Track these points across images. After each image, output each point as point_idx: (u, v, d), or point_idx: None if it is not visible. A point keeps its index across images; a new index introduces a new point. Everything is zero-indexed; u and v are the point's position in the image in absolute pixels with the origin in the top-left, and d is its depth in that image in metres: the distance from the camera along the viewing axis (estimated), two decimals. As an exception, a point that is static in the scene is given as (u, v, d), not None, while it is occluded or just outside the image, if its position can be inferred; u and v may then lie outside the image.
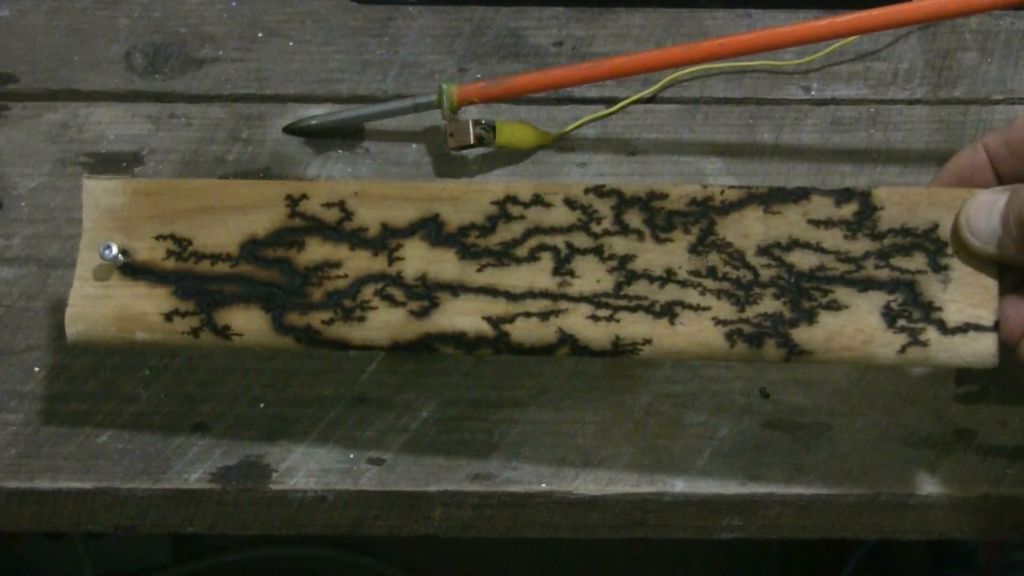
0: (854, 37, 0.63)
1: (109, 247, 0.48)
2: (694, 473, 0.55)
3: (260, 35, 0.65)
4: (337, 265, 0.48)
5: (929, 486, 0.54)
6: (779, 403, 0.56)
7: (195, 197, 0.49)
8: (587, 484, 0.55)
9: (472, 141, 0.59)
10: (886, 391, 0.56)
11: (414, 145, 0.62)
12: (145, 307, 0.49)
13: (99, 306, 0.49)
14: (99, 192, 0.49)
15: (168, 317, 0.48)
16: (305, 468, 0.55)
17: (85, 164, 0.61)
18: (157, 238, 0.49)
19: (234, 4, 0.66)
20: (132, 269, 0.49)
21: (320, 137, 0.62)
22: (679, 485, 0.55)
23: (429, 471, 0.55)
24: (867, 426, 0.55)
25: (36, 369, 0.57)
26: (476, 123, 0.59)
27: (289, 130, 0.62)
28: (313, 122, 0.62)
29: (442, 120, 0.59)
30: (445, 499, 0.55)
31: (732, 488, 0.55)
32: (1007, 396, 0.56)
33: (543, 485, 0.55)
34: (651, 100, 0.63)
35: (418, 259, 0.48)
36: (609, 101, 0.63)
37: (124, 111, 0.63)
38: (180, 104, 0.63)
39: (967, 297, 0.45)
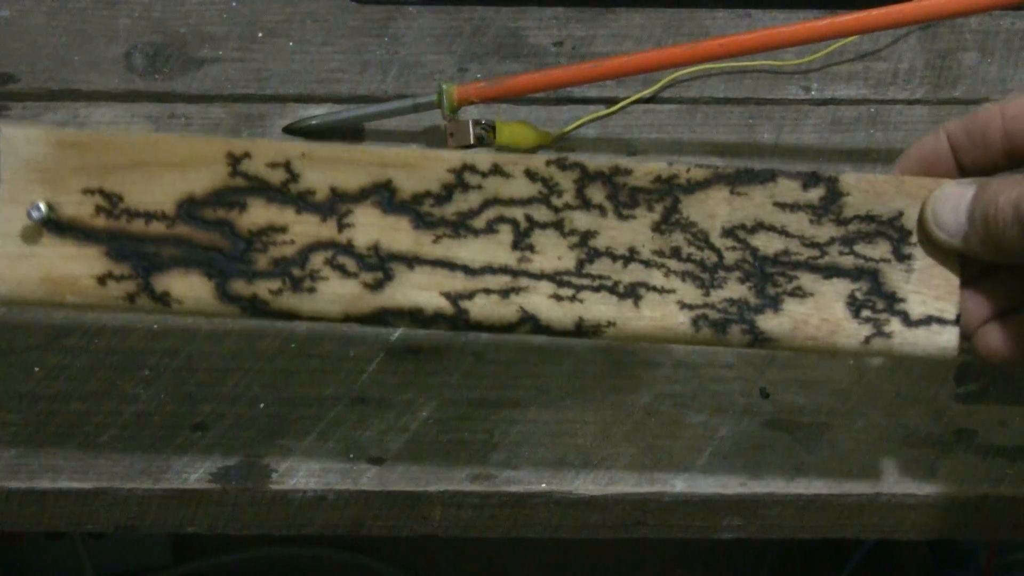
0: (854, 37, 0.63)
1: (38, 207, 0.45)
2: (694, 473, 0.55)
3: (260, 35, 0.65)
4: (283, 230, 0.46)
5: (929, 486, 0.54)
6: (779, 403, 0.56)
7: (127, 152, 0.46)
8: (587, 484, 0.55)
9: (472, 141, 0.59)
10: (886, 391, 0.56)
11: (414, 145, 0.62)
12: (75, 269, 0.46)
13: (24, 266, 0.46)
14: (20, 141, 0.46)
15: (101, 280, 0.46)
16: (305, 468, 0.55)
17: (85, 164, 0.61)
18: (84, 192, 0.46)
19: (234, 4, 0.66)
20: (58, 226, 0.46)
21: (320, 137, 0.62)
22: (679, 485, 0.55)
23: (429, 471, 0.55)
24: (867, 426, 0.55)
25: (36, 369, 0.57)
26: (476, 123, 0.59)
27: (289, 130, 0.62)
28: (313, 122, 0.62)
29: (442, 120, 0.59)
30: (445, 499, 0.55)
31: (732, 488, 0.55)
32: (1007, 396, 0.56)
33: (543, 485, 0.55)
34: (651, 100, 0.63)
35: (370, 227, 0.46)
36: (609, 101, 0.63)
37: (124, 111, 0.63)
38: (180, 104, 0.63)
39: (930, 289, 0.46)
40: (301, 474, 0.55)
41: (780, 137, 0.62)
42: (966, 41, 0.64)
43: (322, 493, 0.55)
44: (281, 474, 0.55)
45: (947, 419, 0.56)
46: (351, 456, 0.55)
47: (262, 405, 0.56)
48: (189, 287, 0.46)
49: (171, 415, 0.56)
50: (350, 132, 0.62)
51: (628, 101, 0.63)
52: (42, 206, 0.45)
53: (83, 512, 0.56)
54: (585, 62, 0.58)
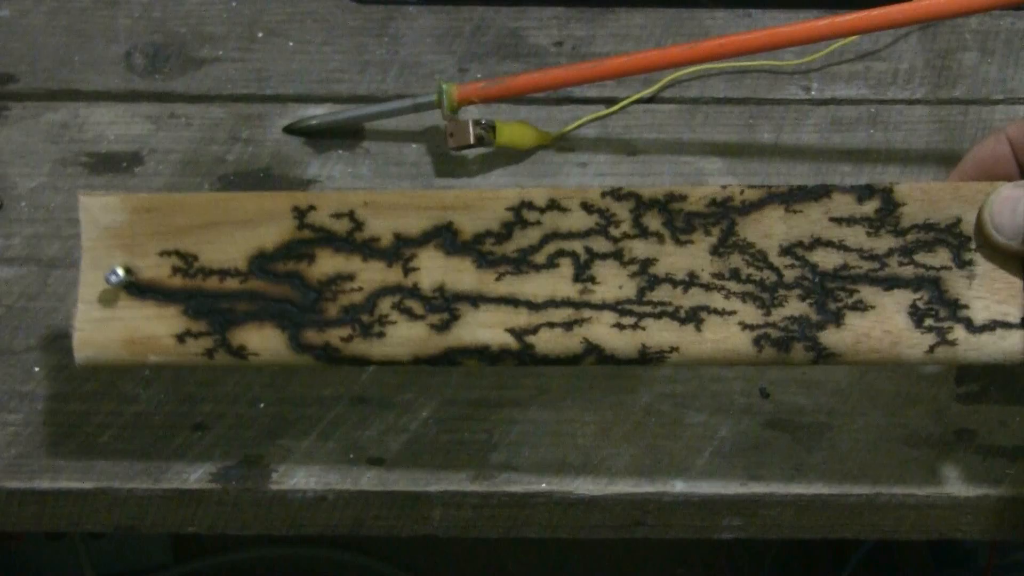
0: (854, 37, 0.63)
1: (115, 272, 0.47)
2: (694, 473, 0.55)
3: (260, 35, 0.65)
4: (351, 278, 0.47)
5: (929, 486, 0.55)
6: (779, 403, 0.56)
7: (198, 212, 0.48)
8: (587, 484, 0.55)
9: (472, 141, 0.59)
10: (886, 391, 0.56)
11: (414, 145, 0.62)
12: (156, 329, 0.47)
13: (107, 329, 0.47)
14: (97, 209, 0.48)
15: (180, 339, 0.47)
16: (305, 468, 0.55)
17: (85, 164, 0.61)
18: (161, 255, 0.48)
19: (234, 4, 0.66)
20: (138, 288, 0.47)
21: (320, 137, 0.62)
22: (679, 485, 0.55)
23: (429, 471, 0.55)
24: (867, 426, 0.55)
25: (36, 369, 0.57)
26: (476, 123, 0.59)
27: (289, 130, 0.62)
28: (313, 122, 0.62)
29: (442, 120, 0.59)
30: (445, 499, 0.55)
31: (732, 488, 0.55)
32: (1007, 396, 0.56)
33: (543, 485, 0.55)
34: (651, 100, 0.63)
35: (434, 269, 0.47)
36: (609, 101, 0.63)
37: (124, 111, 0.63)
38: (180, 104, 0.63)
39: (993, 293, 0.45)
40: (301, 474, 0.55)
41: (780, 137, 0.62)
42: (966, 41, 0.64)
43: (322, 493, 0.55)
44: (281, 474, 0.55)
45: (947, 419, 0.56)
46: (351, 456, 0.55)
47: (262, 405, 0.56)
48: (264, 340, 0.47)
49: (171, 415, 0.56)
50: (350, 132, 0.62)
51: (628, 101, 0.63)
52: (120, 271, 0.47)
53: (83, 512, 0.56)
54: (585, 62, 0.58)
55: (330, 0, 0.66)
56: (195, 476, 0.55)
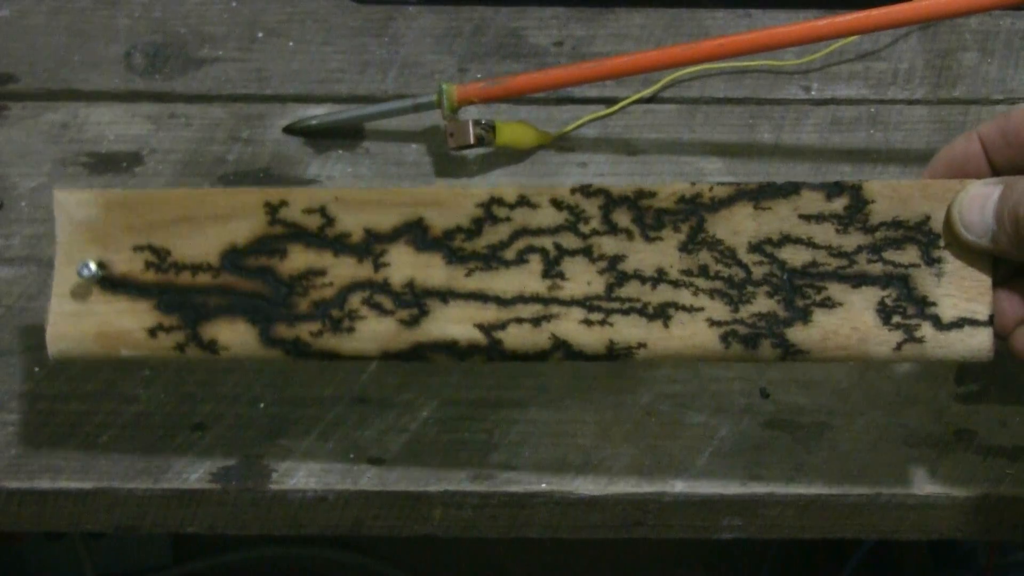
0: (854, 37, 0.63)
1: (87, 265, 0.47)
2: (694, 473, 0.55)
3: (260, 35, 0.65)
4: (322, 273, 0.48)
5: (929, 486, 0.55)
6: (779, 403, 0.56)
7: (171, 207, 0.48)
8: (587, 484, 0.55)
9: (472, 141, 0.59)
10: (886, 391, 0.56)
11: (414, 145, 0.62)
12: (128, 323, 0.48)
13: (80, 323, 0.48)
14: (72, 204, 0.48)
15: (152, 333, 0.48)
16: (305, 468, 0.55)
17: (85, 164, 0.61)
18: (135, 249, 0.48)
19: (234, 4, 0.66)
20: (111, 283, 0.48)
21: (320, 137, 0.62)
22: (679, 485, 0.55)
23: (429, 471, 0.55)
24: (867, 426, 0.55)
25: (36, 369, 0.57)
26: (476, 123, 0.59)
27: (289, 130, 0.62)
28: (313, 122, 0.62)
29: (442, 120, 0.59)
30: (445, 499, 0.55)
31: (732, 488, 0.55)
32: (1007, 396, 0.56)
33: (543, 485, 0.55)
34: (651, 100, 0.63)
35: (404, 265, 0.47)
36: (609, 101, 0.63)
37: (124, 111, 0.63)
38: (180, 104, 0.63)
39: (961, 291, 0.46)
40: (301, 474, 0.55)
41: (780, 137, 0.62)
42: (966, 41, 0.64)
43: (322, 493, 0.55)
44: (281, 474, 0.55)
45: (947, 419, 0.56)
46: (351, 456, 0.55)
47: (262, 405, 0.56)
48: (234, 334, 0.47)
49: (171, 415, 0.56)
50: (350, 132, 0.62)
51: (628, 101, 0.63)
52: (92, 265, 0.47)
53: (83, 512, 0.56)
54: (585, 62, 0.58)
55: (330, 0, 0.66)
56: (195, 476, 0.55)
